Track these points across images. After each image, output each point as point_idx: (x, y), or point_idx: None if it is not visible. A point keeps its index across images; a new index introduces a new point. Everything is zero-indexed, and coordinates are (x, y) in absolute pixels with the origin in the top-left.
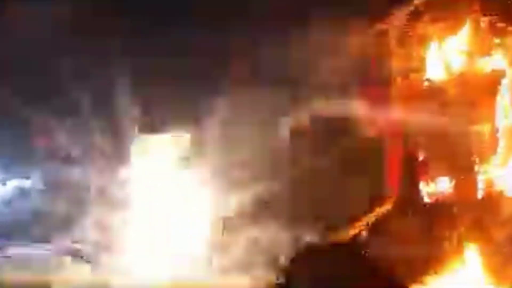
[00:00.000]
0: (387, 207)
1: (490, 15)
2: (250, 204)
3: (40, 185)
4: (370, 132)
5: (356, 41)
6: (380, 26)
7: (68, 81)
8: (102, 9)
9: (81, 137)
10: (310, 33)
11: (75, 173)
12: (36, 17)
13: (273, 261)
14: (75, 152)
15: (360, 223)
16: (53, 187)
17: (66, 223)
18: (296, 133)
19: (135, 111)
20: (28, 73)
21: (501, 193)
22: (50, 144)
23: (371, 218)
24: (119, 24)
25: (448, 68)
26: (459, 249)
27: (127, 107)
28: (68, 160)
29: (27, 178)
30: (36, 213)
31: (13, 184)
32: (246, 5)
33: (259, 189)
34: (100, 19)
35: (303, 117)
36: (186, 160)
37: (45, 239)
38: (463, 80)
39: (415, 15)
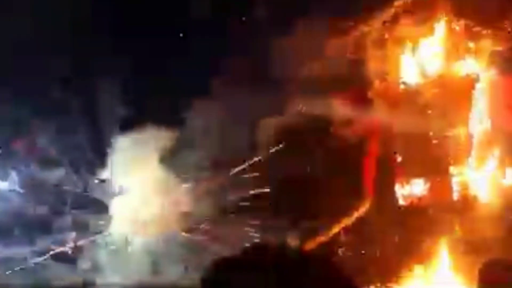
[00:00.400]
0: (362, 209)
1: (465, 19)
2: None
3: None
4: (347, 134)
5: (334, 43)
6: (358, 29)
7: (48, 81)
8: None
9: (60, 138)
10: (290, 34)
11: (54, 174)
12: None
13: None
14: (54, 153)
15: (337, 226)
16: (31, 189)
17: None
18: (274, 134)
19: (117, 110)
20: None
21: (475, 196)
22: (27, 147)
23: (347, 221)
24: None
25: (423, 71)
26: (433, 251)
27: (109, 106)
28: (46, 161)
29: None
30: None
31: None
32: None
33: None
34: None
35: (281, 117)
36: (167, 159)
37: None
38: (438, 84)
39: (392, 18)
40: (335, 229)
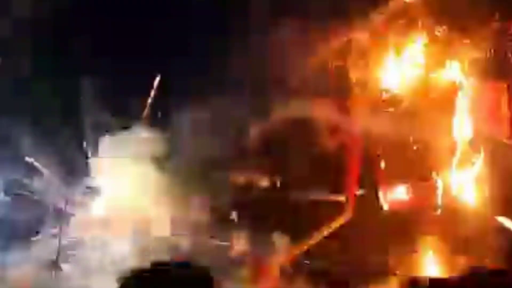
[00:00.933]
0: (347, 214)
1: (446, 26)
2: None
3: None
4: (331, 141)
5: (317, 51)
6: (340, 37)
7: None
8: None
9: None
10: (272, 40)
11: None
12: None
13: None
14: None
15: (321, 232)
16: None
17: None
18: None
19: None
20: None
21: (457, 200)
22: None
23: (331, 226)
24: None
25: (405, 79)
26: (417, 254)
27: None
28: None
29: None
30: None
31: None
32: None
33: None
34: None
35: (266, 122)
36: (157, 160)
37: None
38: (420, 91)
39: (374, 27)
40: (318, 236)
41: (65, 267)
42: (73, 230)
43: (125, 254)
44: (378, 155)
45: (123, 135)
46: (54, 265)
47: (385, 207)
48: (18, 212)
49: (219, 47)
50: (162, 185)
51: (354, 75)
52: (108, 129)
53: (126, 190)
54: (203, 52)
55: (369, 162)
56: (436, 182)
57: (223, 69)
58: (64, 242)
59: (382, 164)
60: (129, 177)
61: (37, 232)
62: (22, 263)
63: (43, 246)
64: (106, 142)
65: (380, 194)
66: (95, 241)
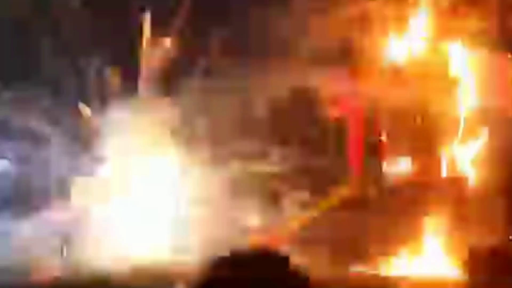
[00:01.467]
0: (350, 187)
1: None
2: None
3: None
4: (333, 112)
5: (323, 21)
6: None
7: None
8: None
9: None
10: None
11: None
12: None
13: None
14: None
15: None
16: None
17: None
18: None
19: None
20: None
21: (461, 173)
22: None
23: (335, 198)
24: None
25: (410, 50)
26: (421, 228)
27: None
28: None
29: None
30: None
31: None
32: None
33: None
34: None
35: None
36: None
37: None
38: (424, 62)
39: None
40: (323, 206)
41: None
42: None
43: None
44: (381, 128)
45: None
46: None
47: (389, 179)
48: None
49: None
50: None
51: (360, 45)
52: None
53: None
54: None
55: (372, 134)
56: (440, 154)
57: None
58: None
59: (386, 136)
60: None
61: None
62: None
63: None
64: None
65: (384, 167)
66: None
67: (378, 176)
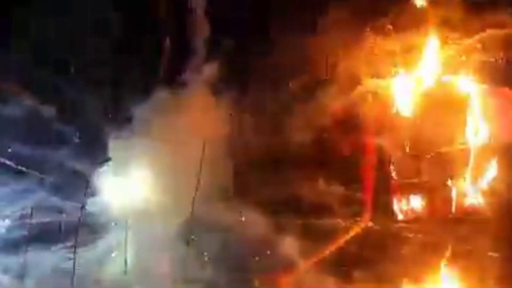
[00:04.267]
0: (364, 222)
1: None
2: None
3: None
4: (345, 149)
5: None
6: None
7: None
8: None
9: None
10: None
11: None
12: None
13: None
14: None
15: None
16: None
17: None
18: None
19: None
20: None
21: (472, 208)
22: None
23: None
24: None
25: (417, 85)
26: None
27: None
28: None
29: None
30: None
31: None
32: None
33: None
34: None
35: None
36: None
37: None
38: (432, 99)
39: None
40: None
41: None
42: None
43: None
44: (392, 163)
45: None
46: None
47: (400, 216)
48: None
49: None
50: None
51: (367, 81)
52: None
53: None
54: None
55: (384, 171)
56: (451, 190)
57: None
58: None
59: (397, 173)
60: None
61: None
62: None
63: None
64: None
65: (395, 203)
66: None
67: (389, 211)
